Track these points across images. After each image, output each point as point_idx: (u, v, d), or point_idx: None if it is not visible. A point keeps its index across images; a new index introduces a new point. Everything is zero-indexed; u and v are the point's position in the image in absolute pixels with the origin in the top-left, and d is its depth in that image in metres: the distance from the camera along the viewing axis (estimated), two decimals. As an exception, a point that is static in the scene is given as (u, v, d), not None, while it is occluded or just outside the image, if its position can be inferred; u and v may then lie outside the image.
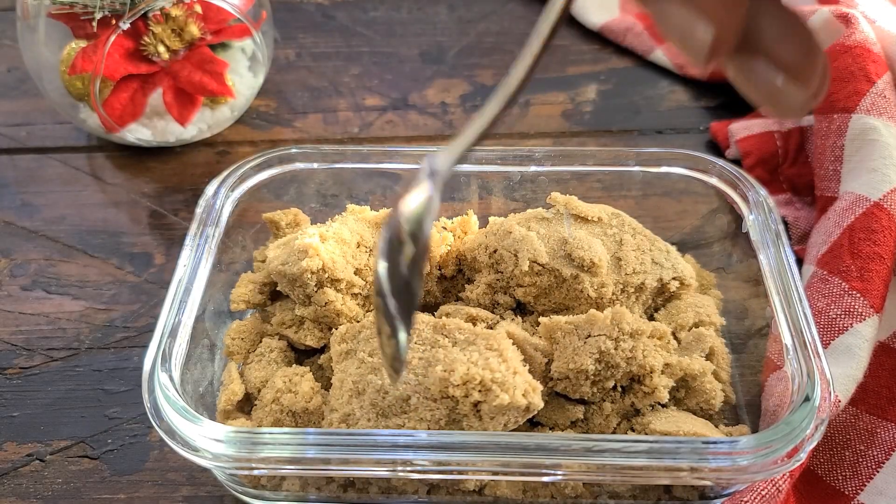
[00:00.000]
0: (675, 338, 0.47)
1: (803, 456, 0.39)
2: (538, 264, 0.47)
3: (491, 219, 0.52)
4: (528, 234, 0.48)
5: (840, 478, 0.47)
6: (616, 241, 0.49)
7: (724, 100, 0.74)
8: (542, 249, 0.47)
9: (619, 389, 0.45)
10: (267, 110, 0.75)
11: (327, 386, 0.46)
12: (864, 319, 0.49)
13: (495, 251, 0.49)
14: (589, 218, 0.50)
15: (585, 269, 0.47)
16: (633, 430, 0.44)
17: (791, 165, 0.65)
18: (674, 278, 0.49)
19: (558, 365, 0.43)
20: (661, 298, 0.50)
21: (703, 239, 0.56)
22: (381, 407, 0.41)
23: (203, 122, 0.69)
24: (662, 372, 0.44)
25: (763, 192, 0.50)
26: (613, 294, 0.47)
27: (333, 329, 0.46)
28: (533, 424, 0.45)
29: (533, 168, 0.54)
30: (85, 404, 0.53)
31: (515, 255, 0.48)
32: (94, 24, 0.61)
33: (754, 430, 0.46)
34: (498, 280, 0.49)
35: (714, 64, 0.28)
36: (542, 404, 0.40)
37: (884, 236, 0.52)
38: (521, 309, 0.50)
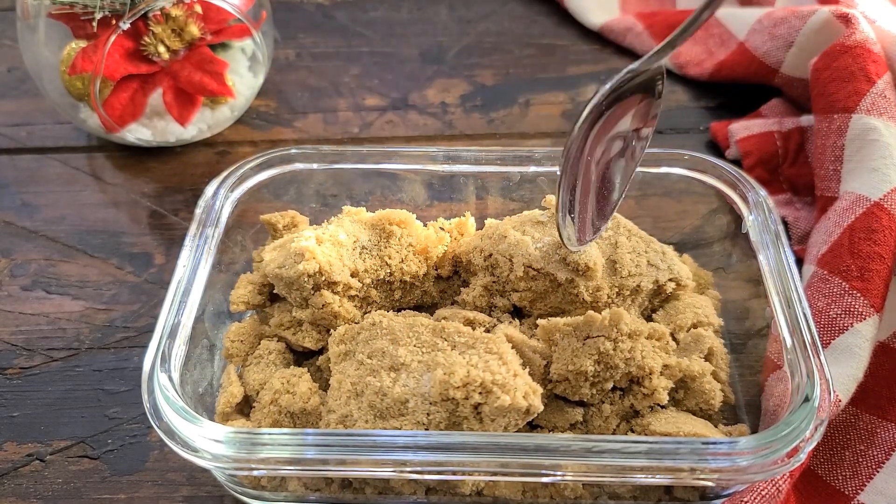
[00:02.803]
0: (674, 339, 0.47)
1: (803, 456, 0.39)
2: (533, 269, 0.47)
3: (487, 221, 0.52)
4: (522, 238, 0.48)
5: (840, 478, 0.47)
6: (611, 243, 0.49)
7: (724, 100, 0.74)
8: (536, 254, 0.47)
9: (619, 391, 0.45)
10: (267, 110, 0.75)
11: (325, 387, 0.46)
12: (865, 319, 0.49)
13: (490, 255, 0.49)
14: (585, 220, 0.50)
15: (580, 273, 0.47)
16: (632, 431, 0.44)
17: (791, 165, 0.65)
18: (670, 280, 0.49)
19: (557, 367, 0.43)
20: (657, 300, 0.50)
21: (702, 239, 0.56)
22: (379, 409, 0.41)
23: (203, 122, 0.69)
24: (661, 373, 0.44)
25: (763, 192, 0.50)
26: (609, 297, 0.47)
27: (332, 331, 0.46)
28: (532, 427, 0.45)
29: (532, 168, 0.54)
30: (85, 404, 0.53)
31: (510, 260, 0.48)
32: (94, 24, 0.61)
33: (754, 430, 0.46)
34: (494, 283, 0.49)
35: None
36: (542, 407, 0.40)
37: (884, 236, 0.52)
38: (518, 312, 0.50)
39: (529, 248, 0.47)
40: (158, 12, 0.62)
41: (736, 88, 0.74)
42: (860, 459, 0.48)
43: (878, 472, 0.47)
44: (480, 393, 0.39)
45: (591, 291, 0.47)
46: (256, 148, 0.71)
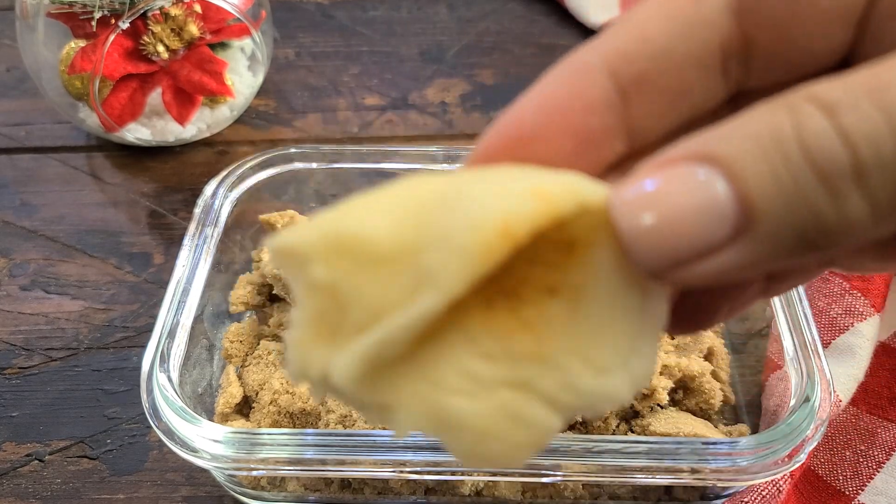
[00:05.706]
0: (672, 339, 0.47)
1: (804, 457, 0.39)
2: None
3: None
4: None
5: (840, 478, 0.47)
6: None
7: (725, 99, 0.74)
8: None
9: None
10: (266, 110, 0.75)
11: (326, 387, 0.46)
12: (865, 318, 0.49)
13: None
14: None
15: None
16: (632, 431, 0.44)
17: (791, 165, 0.65)
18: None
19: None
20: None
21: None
22: (379, 408, 0.41)
23: (202, 122, 0.69)
24: (661, 373, 0.44)
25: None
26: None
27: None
28: (532, 426, 0.45)
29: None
30: (84, 404, 0.53)
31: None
32: (94, 23, 0.60)
33: (754, 430, 0.46)
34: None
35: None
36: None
37: (884, 236, 0.52)
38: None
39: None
40: (158, 12, 0.62)
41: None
42: (861, 459, 0.48)
43: (878, 472, 0.47)
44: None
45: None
46: (256, 147, 0.71)
